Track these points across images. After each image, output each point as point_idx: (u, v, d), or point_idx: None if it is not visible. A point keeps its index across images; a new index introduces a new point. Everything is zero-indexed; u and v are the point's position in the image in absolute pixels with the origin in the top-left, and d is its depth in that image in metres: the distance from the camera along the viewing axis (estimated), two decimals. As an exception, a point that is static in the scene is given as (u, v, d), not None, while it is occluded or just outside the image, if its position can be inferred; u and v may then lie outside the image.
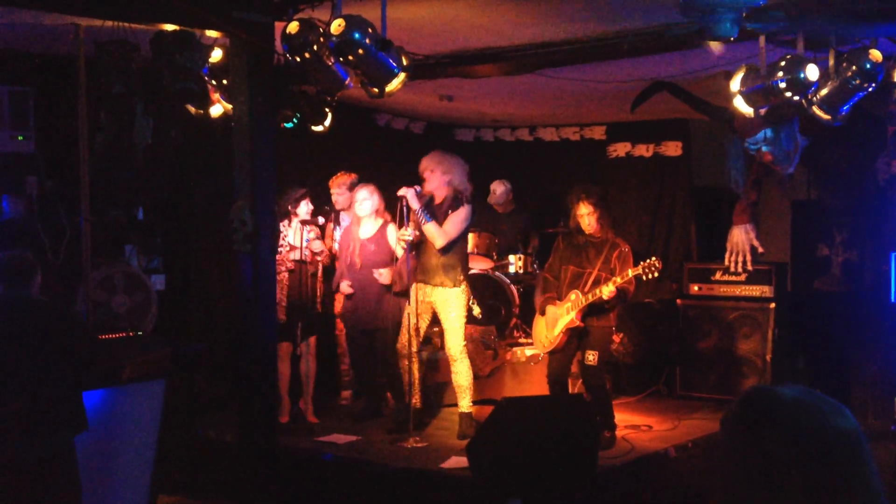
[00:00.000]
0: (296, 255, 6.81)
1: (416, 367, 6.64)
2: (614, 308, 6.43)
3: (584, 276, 6.34)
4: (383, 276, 6.82)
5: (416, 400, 6.71)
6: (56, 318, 4.52)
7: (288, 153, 6.68)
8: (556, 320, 6.41)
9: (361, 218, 6.96)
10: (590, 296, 6.21)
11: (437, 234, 6.38)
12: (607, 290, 6.12)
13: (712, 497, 1.63)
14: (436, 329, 7.20)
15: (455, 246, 6.49)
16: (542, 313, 6.55)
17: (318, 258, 6.93)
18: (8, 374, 4.34)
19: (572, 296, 6.33)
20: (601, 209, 6.35)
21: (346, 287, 6.99)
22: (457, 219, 6.42)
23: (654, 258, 6.20)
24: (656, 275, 6.19)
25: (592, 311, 6.31)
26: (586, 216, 6.36)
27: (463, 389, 6.57)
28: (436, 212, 6.47)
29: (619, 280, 6.13)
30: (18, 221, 6.34)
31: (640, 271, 6.12)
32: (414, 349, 6.58)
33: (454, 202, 6.45)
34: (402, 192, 6.36)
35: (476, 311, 7.53)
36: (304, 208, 6.91)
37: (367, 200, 6.86)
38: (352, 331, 7.11)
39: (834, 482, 1.52)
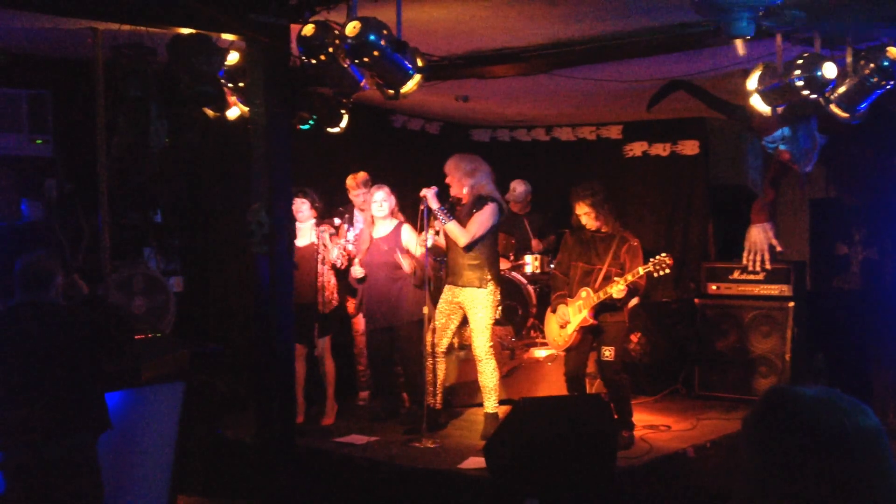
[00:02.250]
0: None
1: (441, 367, 6.65)
2: (627, 303, 6.43)
3: (594, 272, 6.34)
4: (405, 264, 6.78)
5: (436, 400, 6.70)
6: (75, 321, 4.52)
7: (304, 155, 6.70)
8: (568, 319, 6.41)
9: (377, 219, 6.98)
10: (601, 293, 6.22)
11: (460, 234, 6.40)
12: (617, 290, 6.12)
13: (732, 497, 1.63)
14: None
15: (480, 245, 6.46)
16: (554, 311, 6.55)
17: (352, 249, 7.02)
18: (26, 378, 4.37)
19: (583, 293, 6.32)
20: (597, 208, 6.33)
21: (358, 271, 7.01)
22: (481, 217, 6.41)
23: (663, 254, 6.19)
24: (667, 271, 6.18)
25: (605, 307, 6.32)
26: (583, 216, 6.40)
27: (489, 390, 6.57)
28: (461, 213, 6.48)
29: (629, 278, 6.13)
30: (37, 224, 6.38)
31: (651, 268, 6.13)
32: (442, 349, 6.58)
33: (477, 202, 6.46)
34: (422, 192, 6.38)
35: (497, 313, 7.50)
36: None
37: (385, 202, 6.89)
38: (370, 329, 7.11)
39: (855, 480, 1.51)
